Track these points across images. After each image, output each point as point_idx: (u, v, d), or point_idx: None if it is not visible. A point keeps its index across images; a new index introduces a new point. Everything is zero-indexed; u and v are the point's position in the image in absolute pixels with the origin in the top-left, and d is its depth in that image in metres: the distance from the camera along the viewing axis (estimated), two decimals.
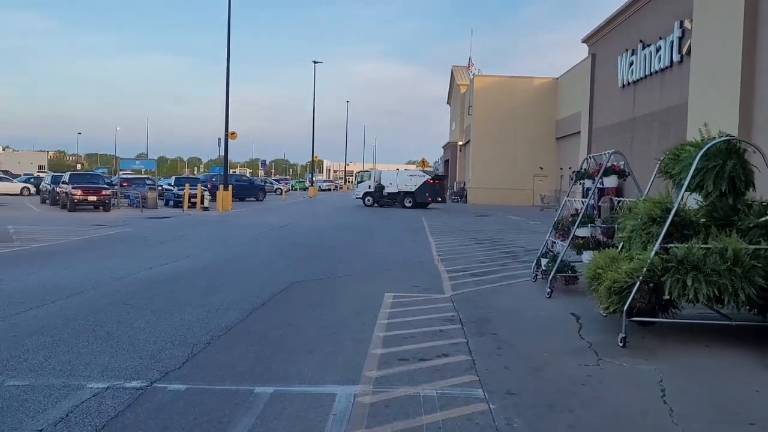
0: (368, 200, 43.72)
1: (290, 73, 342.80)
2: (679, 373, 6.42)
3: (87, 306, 8.96)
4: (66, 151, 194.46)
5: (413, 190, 42.27)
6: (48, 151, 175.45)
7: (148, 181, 44.70)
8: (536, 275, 12.20)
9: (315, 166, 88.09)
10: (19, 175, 65.92)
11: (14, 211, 30.83)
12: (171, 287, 10.72)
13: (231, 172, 49.10)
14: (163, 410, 5.02)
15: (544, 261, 11.86)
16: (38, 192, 44.64)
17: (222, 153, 38.30)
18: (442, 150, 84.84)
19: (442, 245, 18.74)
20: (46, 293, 9.77)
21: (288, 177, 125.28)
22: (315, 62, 71.62)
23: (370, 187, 44.06)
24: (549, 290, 10.61)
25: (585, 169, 11.90)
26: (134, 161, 41.10)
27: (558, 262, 10.95)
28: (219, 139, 38.28)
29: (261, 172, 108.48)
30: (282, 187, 70.58)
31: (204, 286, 10.90)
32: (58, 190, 34.52)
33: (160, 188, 41.64)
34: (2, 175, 57.86)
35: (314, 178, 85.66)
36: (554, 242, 12.05)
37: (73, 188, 31.43)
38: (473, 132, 51.54)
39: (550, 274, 10.90)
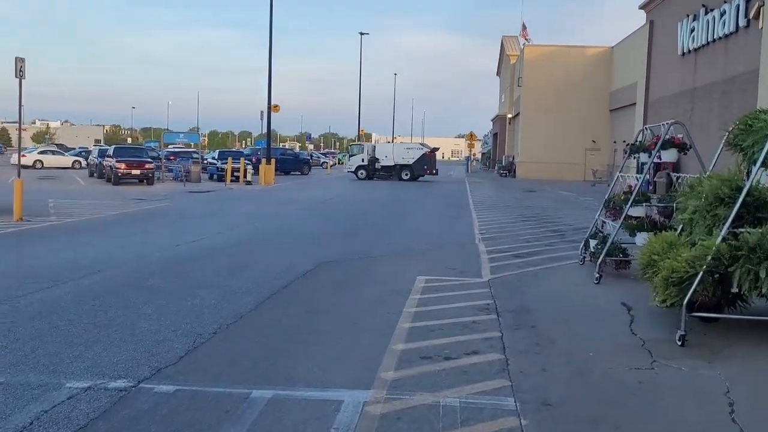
0: (361, 173, 42.75)
1: (340, 46, 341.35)
2: (750, 380, 5.48)
3: (99, 287, 8.46)
4: (121, 126, 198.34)
5: (411, 162, 42.13)
6: (104, 126, 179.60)
7: (195, 155, 44.86)
8: (584, 257, 11.22)
9: (360, 139, 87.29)
10: (74, 149, 67.17)
11: (61, 185, 31.08)
12: (193, 267, 10.17)
13: (280, 146, 48.90)
14: (141, 419, 4.38)
15: (593, 242, 10.86)
16: (88, 165, 45.16)
17: (265, 127, 37.88)
18: (491, 123, 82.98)
19: (486, 222, 17.81)
20: (62, 272, 9.32)
21: (336, 151, 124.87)
22: (361, 34, 70.53)
23: (363, 161, 43.15)
24: (597, 275, 9.65)
25: (640, 141, 10.79)
26: (178, 135, 41.03)
27: (608, 244, 9.96)
28: (261, 112, 37.83)
29: (309, 146, 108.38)
30: (328, 161, 70.13)
31: (228, 266, 10.32)
32: (104, 163, 34.70)
33: (205, 162, 41.63)
34: (55, 149, 59.02)
35: None
36: (605, 222, 11.02)
37: (117, 162, 31.49)
38: (523, 104, 49.86)
39: (599, 258, 9.93)
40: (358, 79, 70.72)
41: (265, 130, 39.20)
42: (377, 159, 42.28)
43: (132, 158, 32.22)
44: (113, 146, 36.97)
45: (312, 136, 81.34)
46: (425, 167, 42.24)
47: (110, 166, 32.25)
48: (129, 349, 5.88)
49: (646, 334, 6.81)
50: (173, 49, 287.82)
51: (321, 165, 68.07)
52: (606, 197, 11.09)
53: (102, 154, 37.20)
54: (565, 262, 11.53)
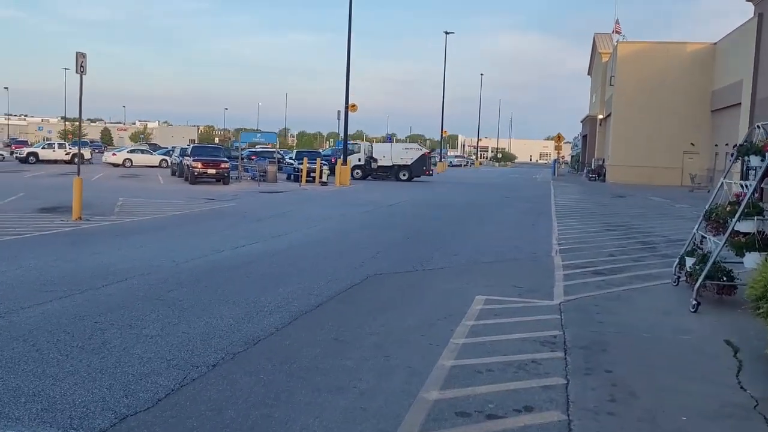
0: (357, 173, 41.23)
1: (428, 47, 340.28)
2: None
3: (114, 299, 7.61)
4: (215, 126, 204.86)
5: (410, 163, 42.03)
6: (199, 126, 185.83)
7: (277, 155, 44.83)
8: (678, 278, 9.55)
9: (444, 140, 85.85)
10: (164, 148, 69.06)
11: (140, 183, 31.39)
12: (228, 277, 9.23)
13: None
14: None
15: (689, 260, 9.17)
16: (170, 165, 45.93)
17: (342, 127, 37.17)
18: (580, 125, 79.59)
19: (567, 231, 16.14)
20: (86, 280, 8.58)
21: None
22: (446, 33, 69.30)
23: (360, 160, 42.01)
24: (695, 302, 8.01)
25: (751, 141, 9.00)
26: (255, 134, 40.96)
27: (709, 264, 8.28)
28: (338, 111, 37.13)
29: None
30: None
31: (266, 277, 9.32)
32: (183, 162, 34.91)
33: (283, 162, 41.41)
34: (145, 148, 60.74)
35: (444, 153, 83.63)
36: (704, 237, 9.29)
37: (193, 161, 31.51)
38: (615, 104, 46.99)
39: (697, 280, 8.26)
40: (447, 80, 68.87)
41: (351, 129, 38.51)
42: (375, 159, 41.85)
43: (208, 158, 32.16)
44: (192, 145, 37.18)
45: (394, 137, 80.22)
46: (423, 167, 42.62)
47: (188, 165, 32.35)
48: (103, 385, 4.89)
49: (760, 389, 5.24)
50: (264, 52, 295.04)
51: None
52: (707, 207, 9.35)
53: (183, 153, 37.52)
54: (656, 282, 9.87)
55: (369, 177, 42.35)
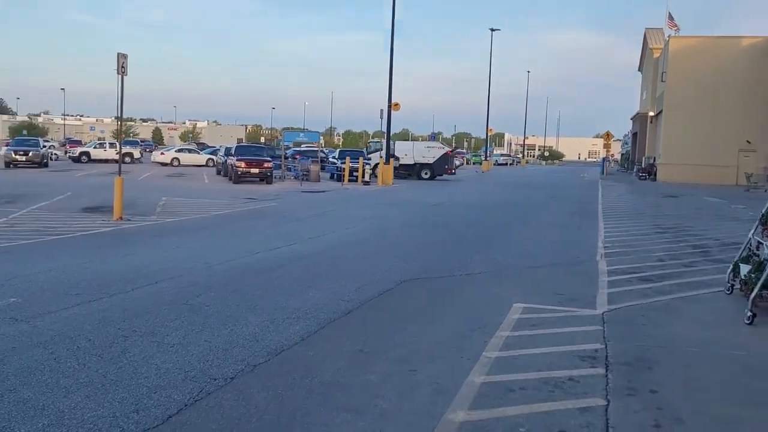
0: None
1: (474, 45, 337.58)
2: None
3: (141, 304, 7.49)
4: (262, 125, 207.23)
5: (432, 162, 41.38)
6: (247, 125, 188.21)
7: (322, 154, 44.94)
8: (732, 285, 8.96)
9: (490, 139, 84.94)
10: (213, 147, 70.07)
11: (185, 182, 31.72)
12: (258, 281, 9.05)
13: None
14: None
15: (744, 267, 8.59)
16: (215, 164, 46.46)
17: (385, 125, 36.93)
18: (630, 122, 77.57)
19: (613, 234, 15.53)
20: (116, 283, 8.51)
21: (464, 150, 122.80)
22: (492, 30, 68.29)
23: (381, 157, 39.71)
24: (750, 313, 7.46)
25: None
26: (298, 133, 41.08)
27: (766, 273, 7.71)
28: (381, 110, 36.89)
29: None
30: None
31: (297, 281, 9.10)
32: (227, 162, 35.20)
33: (327, 161, 41.46)
34: (192, 148, 61.69)
35: (489, 152, 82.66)
36: (761, 243, 8.69)
37: (237, 160, 31.71)
38: (666, 100, 45.54)
39: (753, 289, 7.71)
40: (494, 78, 68.26)
41: (395, 128, 38.26)
42: (397, 157, 40.05)
43: (252, 157, 32.33)
44: (236, 145, 37.49)
45: (438, 134, 79.53)
46: (446, 166, 41.99)
47: (231, 165, 32.58)
48: (116, 399, 4.71)
49: None
50: (313, 52, 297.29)
51: None
52: (763, 211, 8.76)
53: (228, 152, 37.84)
54: (708, 290, 9.30)
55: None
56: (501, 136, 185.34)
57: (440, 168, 41.65)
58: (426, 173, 41.29)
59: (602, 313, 7.79)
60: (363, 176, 34.43)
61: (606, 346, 6.39)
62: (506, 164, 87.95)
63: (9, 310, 6.97)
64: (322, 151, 49.04)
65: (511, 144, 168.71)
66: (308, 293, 8.32)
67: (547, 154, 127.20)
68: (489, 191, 32.38)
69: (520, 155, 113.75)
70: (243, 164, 31.37)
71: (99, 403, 4.62)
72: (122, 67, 15.32)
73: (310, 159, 36.31)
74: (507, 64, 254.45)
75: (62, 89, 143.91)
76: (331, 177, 38.05)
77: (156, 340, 6.13)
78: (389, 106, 35.87)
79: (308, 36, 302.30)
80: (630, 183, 44.36)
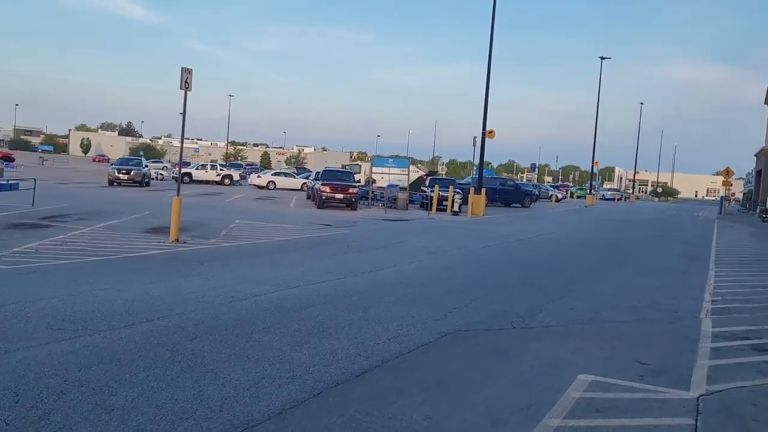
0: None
1: (584, 75, 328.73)
2: None
3: (117, 347, 6.32)
4: (367, 152, 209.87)
5: (406, 185, 39.98)
6: (352, 152, 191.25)
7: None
8: None
9: (596, 172, 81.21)
10: (309, 172, 70.64)
11: (270, 206, 31.28)
12: (277, 321, 7.72)
13: (517, 177, 45.94)
14: None
15: None
16: (307, 188, 46.29)
17: (478, 154, 35.22)
18: (754, 159, 71.55)
19: (725, 284, 13.13)
20: (112, 316, 7.46)
21: (569, 183, 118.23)
22: (602, 58, 65.36)
23: (359, 181, 41.25)
24: None
25: None
26: (387, 159, 40.05)
27: None
28: (474, 137, 35.27)
29: (530, 176, 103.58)
30: (556, 194, 65.45)
31: (321, 324, 7.70)
32: (314, 186, 34.63)
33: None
34: (288, 172, 62.34)
35: (596, 185, 78.79)
36: None
37: (321, 185, 30.99)
38: None
39: None
40: (603, 110, 65.27)
41: (480, 159, 36.56)
42: (374, 180, 40.14)
43: (337, 182, 31.51)
44: (322, 169, 36.97)
45: (539, 168, 77.18)
46: (421, 189, 40.93)
47: (316, 189, 31.91)
48: None
49: None
50: (419, 81, 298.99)
51: (548, 197, 63.69)
52: None
53: (316, 177, 37.36)
54: None
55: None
56: (611, 170, 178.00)
57: (417, 190, 41.11)
58: None
59: (698, 397, 5.86)
60: (452, 206, 32.79)
61: None
62: (614, 199, 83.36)
63: None
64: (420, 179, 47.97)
65: (621, 179, 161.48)
66: (325, 343, 6.89)
67: (659, 190, 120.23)
68: (588, 227, 29.88)
69: (630, 190, 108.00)
70: (327, 189, 30.59)
71: None
72: (186, 82, 14.69)
73: (399, 186, 35.10)
74: (619, 96, 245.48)
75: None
76: (421, 206, 36.68)
77: (97, 401, 4.88)
78: (483, 134, 34.19)
79: (413, 65, 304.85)
80: (751, 225, 40.15)
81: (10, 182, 21.72)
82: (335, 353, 6.52)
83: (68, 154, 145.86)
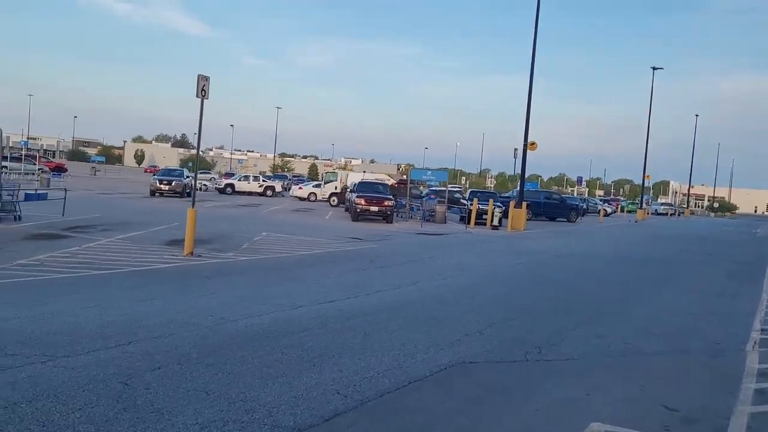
0: (333, 200, 43.70)
1: (634, 88, 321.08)
2: None
3: (64, 378, 5.67)
4: (414, 165, 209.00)
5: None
6: (399, 164, 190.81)
7: (456, 194, 42.96)
8: None
9: (647, 186, 78.62)
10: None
11: (304, 218, 30.75)
12: (255, 350, 6.97)
13: (567, 191, 44.72)
14: None
15: None
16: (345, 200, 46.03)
17: (520, 166, 34.07)
18: None
19: None
20: (76, 341, 6.86)
21: (620, 197, 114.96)
22: (654, 68, 63.05)
23: (336, 188, 44.32)
24: None
25: None
26: (425, 171, 39.18)
27: None
28: (515, 149, 34.17)
29: (578, 190, 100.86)
30: (605, 208, 63.41)
31: (308, 353, 6.94)
32: (351, 199, 34.05)
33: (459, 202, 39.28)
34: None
35: (648, 200, 76.26)
36: None
37: (356, 197, 30.35)
38: None
39: None
40: (655, 122, 63.07)
41: (521, 171, 35.39)
42: (347, 187, 41.53)
43: (372, 194, 30.82)
44: (359, 181, 36.38)
45: (582, 179, 75.22)
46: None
47: (352, 201, 31.31)
48: None
49: None
50: (466, 94, 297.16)
51: (597, 212, 61.76)
52: None
53: (353, 189, 36.79)
54: None
55: (342, 205, 41.99)
56: (666, 184, 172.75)
57: None
58: None
59: None
60: (492, 220, 31.68)
61: None
62: (666, 214, 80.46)
63: None
64: (459, 191, 47.16)
65: (676, 193, 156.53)
66: (303, 377, 6.11)
67: (716, 205, 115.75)
68: (635, 242, 28.40)
69: (685, 205, 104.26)
70: (363, 201, 29.92)
71: None
72: (203, 89, 14.22)
73: (438, 199, 34.21)
74: (674, 108, 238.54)
75: (231, 125, 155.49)
76: (461, 219, 35.70)
77: None
78: (525, 146, 33.05)
79: (462, 78, 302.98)
80: None
81: (38, 192, 21.74)
82: (310, 390, 5.74)
83: (122, 164, 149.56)
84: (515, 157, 35.30)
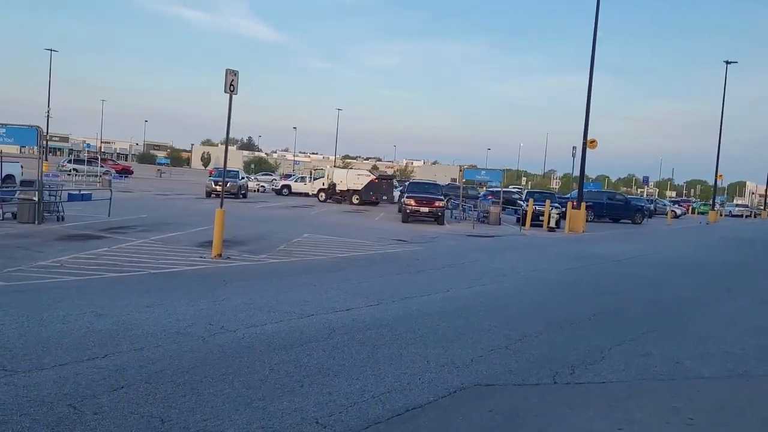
0: (321, 196, 45.04)
1: (711, 85, 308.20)
2: None
3: (8, 397, 5.06)
4: (477, 165, 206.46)
5: (360, 188, 43.40)
6: (462, 165, 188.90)
7: (515, 195, 41.65)
8: None
9: (728, 187, 74.69)
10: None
11: (353, 219, 30.08)
12: (242, 366, 6.23)
13: (636, 192, 42.69)
14: None
15: None
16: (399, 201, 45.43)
17: (579, 165, 32.49)
18: None
19: None
20: (47, 352, 6.30)
21: (692, 198, 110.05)
22: (727, 62, 59.80)
23: (323, 184, 45.52)
24: None
25: None
26: (479, 171, 37.89)
27: None
28: (574, 147, 32.63)
29: (647, 190, 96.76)
30: (674, 209, 60.50)
31: (300, 370, 6.15)
32: (401, 199, 33.27)
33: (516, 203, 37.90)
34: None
35: (722, 201, 72.52)
36: None
37: (407, 198, 29.55)
38: None
39: None
40: (730, 119, 59.78)
41: (580, 171, 33.77)
42: (334, 184, 43.90)
43: (422, 195, 29.92)
44: (410, 182, 35.51)
45: (648, 179, 71.91)
46: (371, 193, 43.34)
47: (402, 202, 30.51)
48: None
49: None
50: (527, 94, 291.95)
51: (665, 213, 58.97)
52: None
53: (404, 190, 36.01)
54: None
55: (329, 200, 44.12)
56: (742, 184, 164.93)
57: (366, 194, 43.26)
58: (356, 198, 43.38)
59: None
60: (549, 221, 30.27)
61: None
62: (741, 216, 76.30)
63: None
64: (518, 192, 45.73)
65: (753, 194, 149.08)
66: (284, 401, 5.33)
67: None
68: (702, 246, 26.52)
69: (762, 206, 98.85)
70: (413, 202, 29.08)
71: None
72: (231, 85, 13.68)
73: (492, 200, 33.01)
74: (750, 104, 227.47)
75: (294, 128, 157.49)
76: (517, 221, 34.36)
77: None
78: (584, 144, 31.48)
79: (525, 77, 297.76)
80: None
81: (81, 192, 21.81)
82: (284, 419, 4.94)
83: (189, 167, 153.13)
84: (573, 156, 33.53)
